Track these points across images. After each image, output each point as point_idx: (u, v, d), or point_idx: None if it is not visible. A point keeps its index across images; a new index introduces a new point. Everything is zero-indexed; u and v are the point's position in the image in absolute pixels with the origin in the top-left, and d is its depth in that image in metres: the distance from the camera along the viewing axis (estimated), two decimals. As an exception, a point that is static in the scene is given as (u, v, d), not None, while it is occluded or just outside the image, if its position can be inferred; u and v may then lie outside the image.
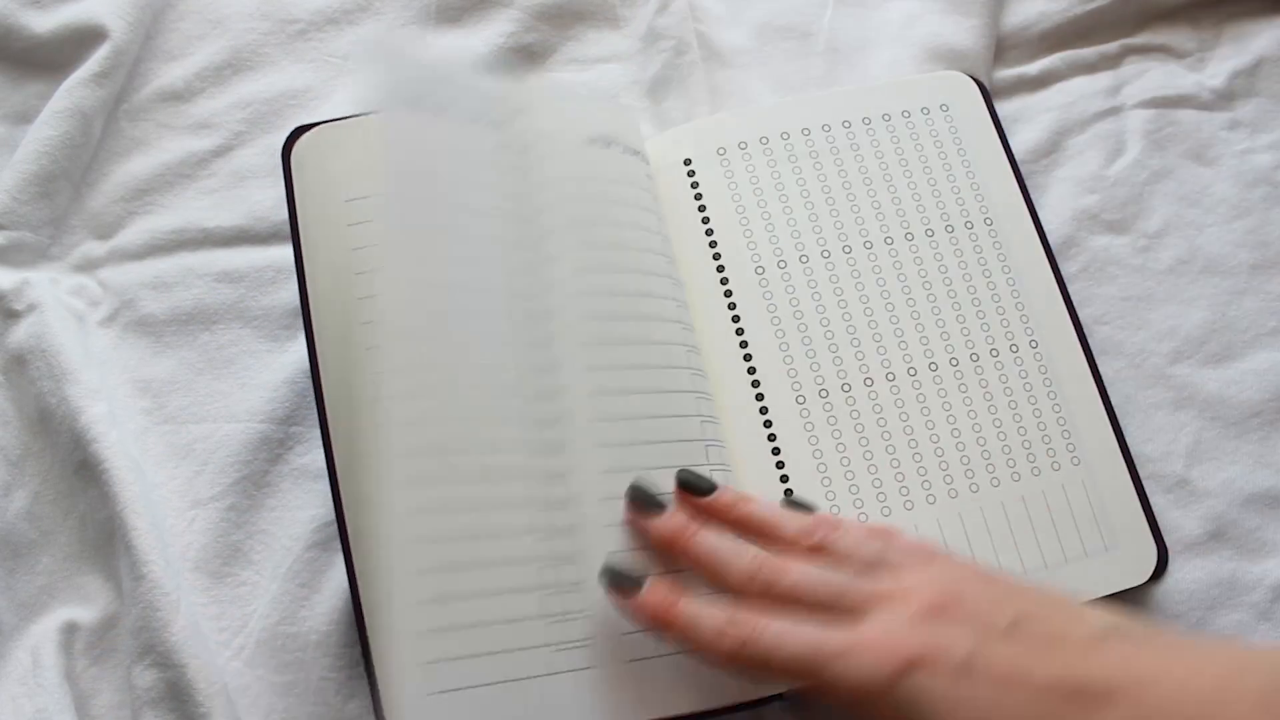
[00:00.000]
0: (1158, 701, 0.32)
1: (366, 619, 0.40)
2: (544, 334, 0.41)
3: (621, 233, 0.44)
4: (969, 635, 0.34)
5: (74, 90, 0.51)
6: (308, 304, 0.43)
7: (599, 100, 0.47)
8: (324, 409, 0.42)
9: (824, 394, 0.46)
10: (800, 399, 0.46)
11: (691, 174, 0.49)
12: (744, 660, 0.35)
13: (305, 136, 0.45)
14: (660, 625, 0.37)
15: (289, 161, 0.45)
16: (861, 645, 0.34)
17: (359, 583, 0.40)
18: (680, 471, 0.41)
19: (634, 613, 0.38)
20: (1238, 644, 0.33)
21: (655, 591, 0.38)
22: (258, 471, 0.47)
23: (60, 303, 0.49)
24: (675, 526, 0.39)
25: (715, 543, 0.39)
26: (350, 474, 0.41)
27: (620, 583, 0.38)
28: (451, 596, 0.39)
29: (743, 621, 0.36)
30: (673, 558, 0.40)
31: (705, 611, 0.36)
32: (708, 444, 0.43)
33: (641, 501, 0.40)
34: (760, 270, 0.47)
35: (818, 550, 0.38)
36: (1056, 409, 0.46)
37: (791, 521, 0.39)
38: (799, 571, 0.37)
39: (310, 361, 0.42)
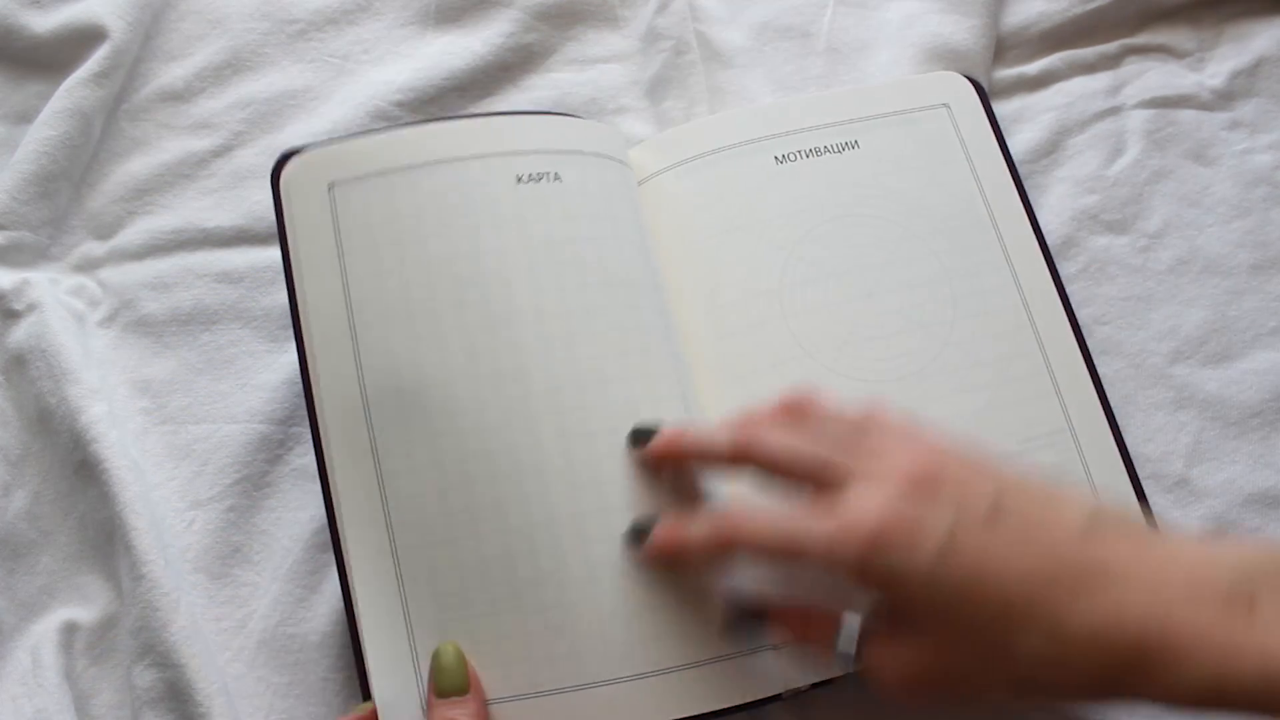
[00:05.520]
0: (1129, 594, 0.33)
1: (359, 621, 0.40)
2: (511, 362, 0.42)
3: (585, 248, 0.44)
4: (947, 517, 0.34)
5: (74, 90, 0.51)
6: (299, 323, 0.43)
7: (567, 116, 0.47)
8: (316, 422, 0.42)
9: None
10: None
11: (686, 175, 0.49)
12: (732, 547, 0.38)
13: (293, 162, 0.44)
14: (670, 555, 0.39)
15: (278, 187, 0.44)
16: (837, 528, 0.35)
17: (352, 586, 0.40)
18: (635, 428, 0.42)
19: (649, 557, 0.40)
20: (1206, 540, 0.35)
21: (661, 529, 0.40)
22: (257, 472, 0.47)
23: (60, 303, 0.49)
24: (667, 437, 0.41)
25: (697, 435, 0.40)
26: (343, 482, 0.41)
27: (638, 534, 0.40)
28: (451, 626, 0.40)
29: (727, 517, 0.38)
30: (671, 472, 0.42)
31: (694, 525, 0.39)
32: None
33: (640, 437, 0.41)
34: (754, 272, 0.47)
35: (800, 418, 0.39)
36: (1061, 411, 0.46)
37: (766, 406, 0.40)
38: (778, 440, 0.38)
39: (302, 375, 0.42)
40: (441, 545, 0.40)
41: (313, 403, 0.42)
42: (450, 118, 0.46)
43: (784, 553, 0.36)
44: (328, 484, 0.41)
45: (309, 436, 0.47)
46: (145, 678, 0.42)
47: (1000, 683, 0.35)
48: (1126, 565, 0.33)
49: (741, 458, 0.39)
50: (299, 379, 0.48)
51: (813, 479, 0.37)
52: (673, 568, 0.40)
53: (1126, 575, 0.33)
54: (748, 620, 0.40)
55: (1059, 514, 0.35)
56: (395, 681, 0.39)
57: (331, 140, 0.45)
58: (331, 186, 0.44)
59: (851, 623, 0.37)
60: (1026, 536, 0.34)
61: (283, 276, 0.43)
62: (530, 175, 0.44)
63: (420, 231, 0.43)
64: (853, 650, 0.37)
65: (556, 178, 0.45)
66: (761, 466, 0.38)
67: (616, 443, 0.41)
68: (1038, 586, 0.33)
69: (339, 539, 0.41)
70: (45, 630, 0.44)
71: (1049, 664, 0.33)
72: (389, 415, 0.41)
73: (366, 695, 0.39)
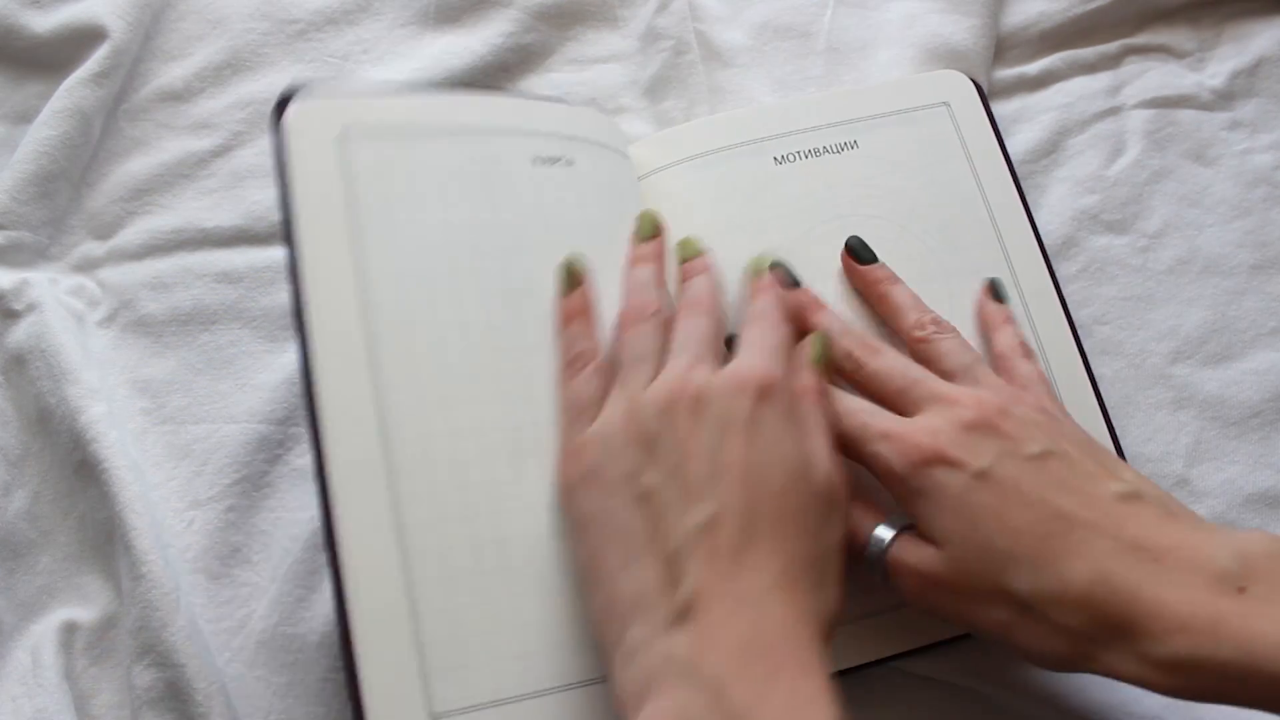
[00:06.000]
0: (1132, 562, 0.34)
1: (353, 626, 0.37)
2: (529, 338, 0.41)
3: (596, 234, 0.44)
4: (995, 451, 0.37)
5: (74, 90, 0.51)
6: (299, 287, 0.40)
7: (577, 106, 0.47)
8: (315, 411, 0.39)
9: None
10: None
11: (685, 175, 0.49)
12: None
13: (300, 105, 0.41)
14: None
15: (280, 131, 0.41)
16: (898, 436, 0.38)
17: (347, 590, 0.37)
18: (851, 238, 0.46)
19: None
20: (1223, 529, 0.36)
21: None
22: (256, 472, 0.47)
23: (59, 303, 0.49)
24: (808, 299, 0.44)
25: (829, 319, 0.43)
26: (349, 478, 0.39)
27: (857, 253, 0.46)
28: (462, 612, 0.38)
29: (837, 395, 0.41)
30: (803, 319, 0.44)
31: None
32: None
33: (855, 251, 0.46)
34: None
35: (921, 343, 0.42)
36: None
37: (912, 313, 0.44)
38: (884, 360, 0.41)
39: (298, 337, 0.40)
40: (454, 522, 0.39)
41: (312, 393, 0.39)
42: (468, 92, 0.45)
43: (851, 439, 0.39)
44: (324, 473, 0.38)
45: (308, 436, 0.47)
46: (145, 678, 0.42)
47: (994, 609, 0.36)
48: (1143, 537, 0.35)
49: (852, 368, 0.42)
50: (299, 379, 0.48)
51: (898, 395, 0.40)
52: None
53: (1139, 545, 0.34)
54: None
55: (1105, 474, 0.37)
56: (393, 679, 0.37)
57: (338, 87, 0.43)
58: (343, 138, 0.41)
59: (883, 531, 0.39)
60: (1065, 483, 0.36)
61: (282, 276, 0.43)
62: (547, 157, 0.44)
63: (440, 197, 0.42)
64: (882, 546, 0.38)
65: (570, 162, 0.45)
66: (863, 381, 0.41)
67: None
68: (1057, 525, 0.35)
69: (334, 542, 0.38)
70: (45, 630, 0.44)
71: (1040, 604, 0.34)
72: (403, 379, 0.39)
73: (354, 703, 0.36)
